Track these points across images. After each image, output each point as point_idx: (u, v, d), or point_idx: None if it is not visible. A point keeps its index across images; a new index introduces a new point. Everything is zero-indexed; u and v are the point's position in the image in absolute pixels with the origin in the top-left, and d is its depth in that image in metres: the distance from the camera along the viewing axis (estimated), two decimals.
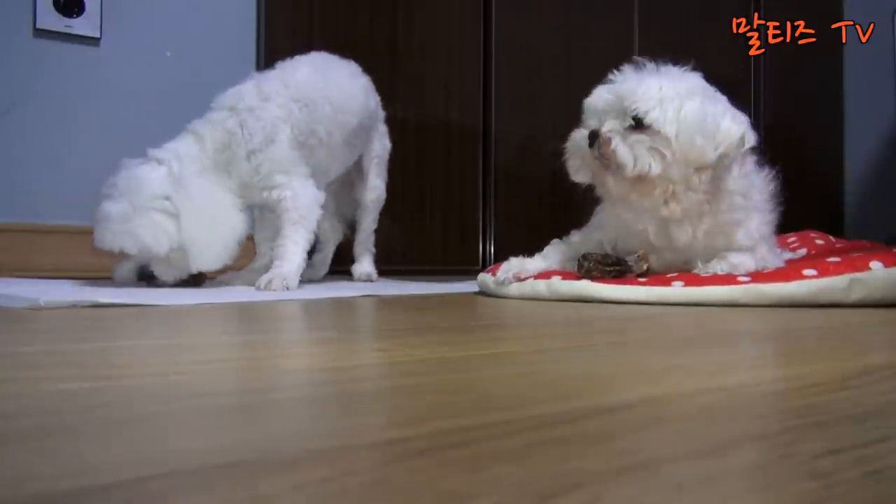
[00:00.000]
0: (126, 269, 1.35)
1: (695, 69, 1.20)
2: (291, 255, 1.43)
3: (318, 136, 1.54)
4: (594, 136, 1.15)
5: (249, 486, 0.24)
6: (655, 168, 1.12)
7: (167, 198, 1.31)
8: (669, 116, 1.11)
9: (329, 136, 1.57)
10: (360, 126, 1.67)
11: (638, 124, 1.12)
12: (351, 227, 1.86)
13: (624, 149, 1.12)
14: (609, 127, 1.14)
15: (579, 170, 1.21)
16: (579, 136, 1.19)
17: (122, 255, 1.34)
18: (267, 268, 1.59)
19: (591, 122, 1.19)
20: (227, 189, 1.40)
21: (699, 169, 1.14)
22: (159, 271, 1.34)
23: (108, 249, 1.30)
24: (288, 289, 1.37)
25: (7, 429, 0.33)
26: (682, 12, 2.93)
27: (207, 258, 1.35)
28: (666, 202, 1.16)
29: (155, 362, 0.53)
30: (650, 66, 1.18)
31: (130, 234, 1.28)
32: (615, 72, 1.20)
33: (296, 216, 1.46)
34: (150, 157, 1.37)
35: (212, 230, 1.35)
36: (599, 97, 1.17)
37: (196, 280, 1.41)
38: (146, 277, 1.35)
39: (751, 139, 1.15)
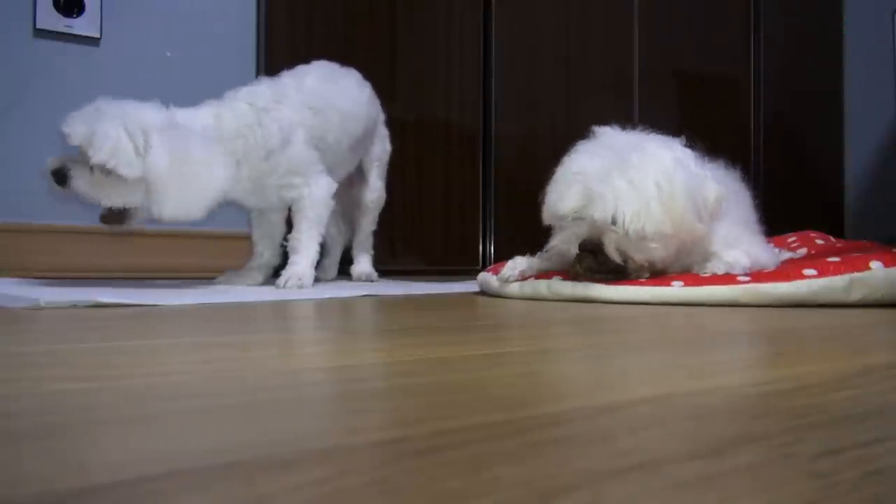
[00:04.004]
0: (51, 162, 1.27)
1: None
2: (306, 249, 1.50)
3: (327, 143, 1.57)
4: (587, 247, 1.15)
5: (249, 486, 0.24)
6: (658, 264, 1.16)
7: (144, 132, 1.26)
8: (656, 218, 1.10)
9: (338, 143, 1.60)
10: (365, 133, 1.71)
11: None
12: (352, 229, 1.87)
13: (630, 263, 1.15)
14: (606, 241, 1.14)
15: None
16: (567, 239, 1.18)
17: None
18: (265, 267, 1.59)
19: (565, 224, 1.18)
20: (220, 152, 1.36)
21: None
22: (76, 175, 1.26)
23: (66, 133, 1.25)
24: (302, 287, 1.43)
25: (7, 429, 0.33)
26: (682, 12, 2.93)
27: (171, 208, 1.29)
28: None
29: (155, 362, 0.53)
30: (609, 147, 1.16)
31: (88, 126, 1.23)
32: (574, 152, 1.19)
33: (312, 214, 1.52)
34: (170, 108, 1.35)
35: (185, 182, 1.29)
36: (570, 203, 1.15)
37: (117, 218, 1.34)
38: (60, 179, 1.26)
39: (722, 198, 1.17)
